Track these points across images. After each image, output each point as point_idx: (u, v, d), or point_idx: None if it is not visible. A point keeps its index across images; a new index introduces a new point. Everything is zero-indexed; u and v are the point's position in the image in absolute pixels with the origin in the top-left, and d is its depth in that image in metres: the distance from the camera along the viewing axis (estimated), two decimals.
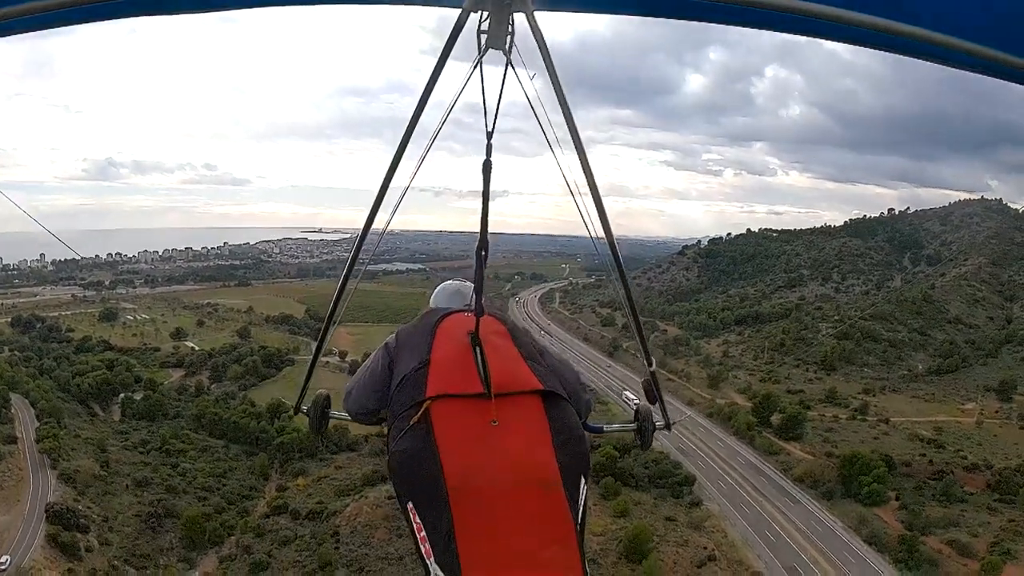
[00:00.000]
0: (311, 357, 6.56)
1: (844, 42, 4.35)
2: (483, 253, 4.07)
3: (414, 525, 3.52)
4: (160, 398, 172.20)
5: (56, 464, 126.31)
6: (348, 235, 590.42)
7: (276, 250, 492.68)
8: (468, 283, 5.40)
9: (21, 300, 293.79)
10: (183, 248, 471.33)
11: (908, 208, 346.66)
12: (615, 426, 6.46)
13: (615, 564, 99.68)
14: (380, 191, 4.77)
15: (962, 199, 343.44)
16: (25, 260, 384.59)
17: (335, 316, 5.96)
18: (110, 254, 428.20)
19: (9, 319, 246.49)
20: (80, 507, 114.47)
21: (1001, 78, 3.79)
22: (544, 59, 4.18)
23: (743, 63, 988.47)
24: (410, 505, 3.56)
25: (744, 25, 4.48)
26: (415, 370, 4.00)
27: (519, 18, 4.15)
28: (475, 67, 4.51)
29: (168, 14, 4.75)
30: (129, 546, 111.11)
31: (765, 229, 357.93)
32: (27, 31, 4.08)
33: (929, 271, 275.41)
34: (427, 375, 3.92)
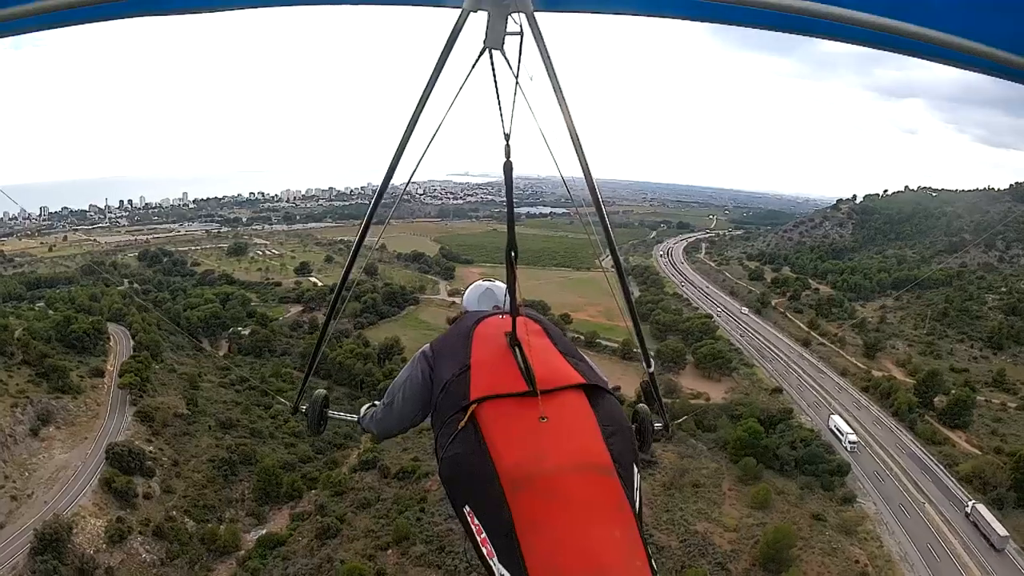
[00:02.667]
0: (311, 356, 6.61)
1: (846, 42, 4.31)
2: (513, 254, 4.08)
3: (473, 528, 3.53)
4: (268, 334, 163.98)
5: (137, 401, 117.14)
6: (494, 179, 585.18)
7: (420, 192, 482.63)
8: (498, 282, 5.52)
9: (156, 236, 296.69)
10: (326, 188, 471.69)
11: None
12: None
13: (747, 572, 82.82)
14: (380, 190, 4.93)
15: None
16: (167, 199, 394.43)
17: (337, 308, 6.23)
18: (252, 193, 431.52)
19: (137, 253, 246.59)
20: (151, 448, 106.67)
21: (1004, 77, 3.77)
22: (544, 59, 4.13)
23: None
24: (467, 509, 3.58)
25: (745, 25, 4.41)
26: (456, 376, 4.05)
27: (519, 18, 4.08)
28: (474, 67, 4.37)
29: (169, 14, 4.54)
30: (194, 495, 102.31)
31: (924, 188, 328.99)
32: (28, 31, 4.08)
33: None
34: (469, 379, 3.96)
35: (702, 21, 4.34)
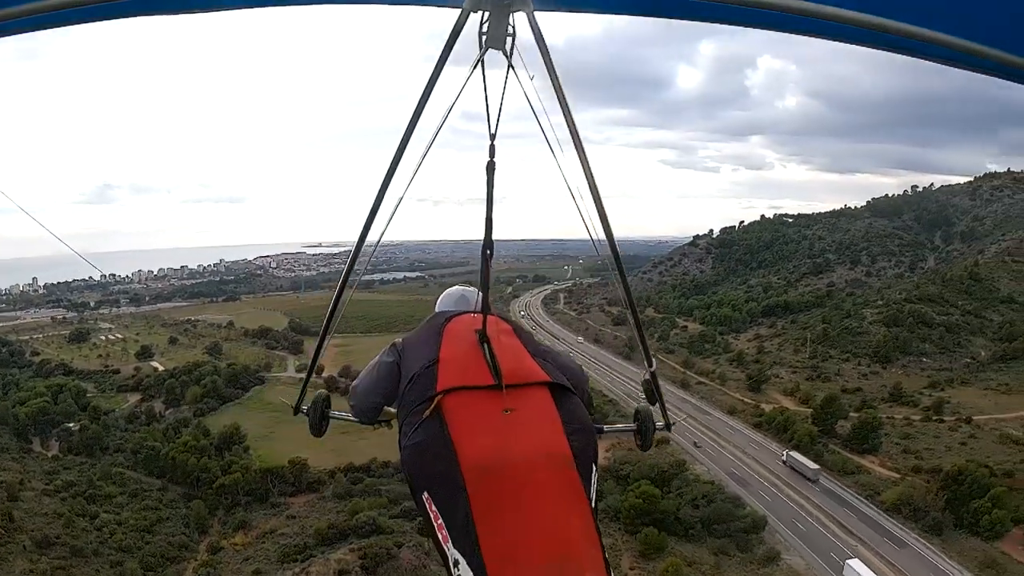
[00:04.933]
0: (310, 360, 6.55)
1: (845, 42, 4.29)
2: (488, 253, 4.17)
3: (431, 514, 3.51)
4: (98, 430, 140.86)
5: None
6: (347, 248, 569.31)
7: (273, 265, 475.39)
8: (472, 288, 5.44)
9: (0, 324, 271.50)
10: (178, 267, 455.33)
11: (932, 184, 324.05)
12: (615, 427, 6.12)
13: None
14: (379, 194, 4.61)
15: (988, 172, 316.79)
16: (17, 285, 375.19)
17: (335, 317, 5.73)
18: (103, 275, 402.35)
19: None
20: None
21: (1003, 78, 3.77)
22: (544, 59, 4.12)
23: (735, 54, 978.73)
24: (426, 495, 3.55)
25: (745, 25, 4.39)
26: (425, 368, 4.02)
27: (519, 18, 4.10)
28: (475, 67, 4.36)
29: (168, 14, 4.50)
30: None
31: (780, 215, 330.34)
32: (28, 31, 4.03)
33: (965, 248, 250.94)
34: (437, 372, 3.94)
35: (702, 21, 4.23)
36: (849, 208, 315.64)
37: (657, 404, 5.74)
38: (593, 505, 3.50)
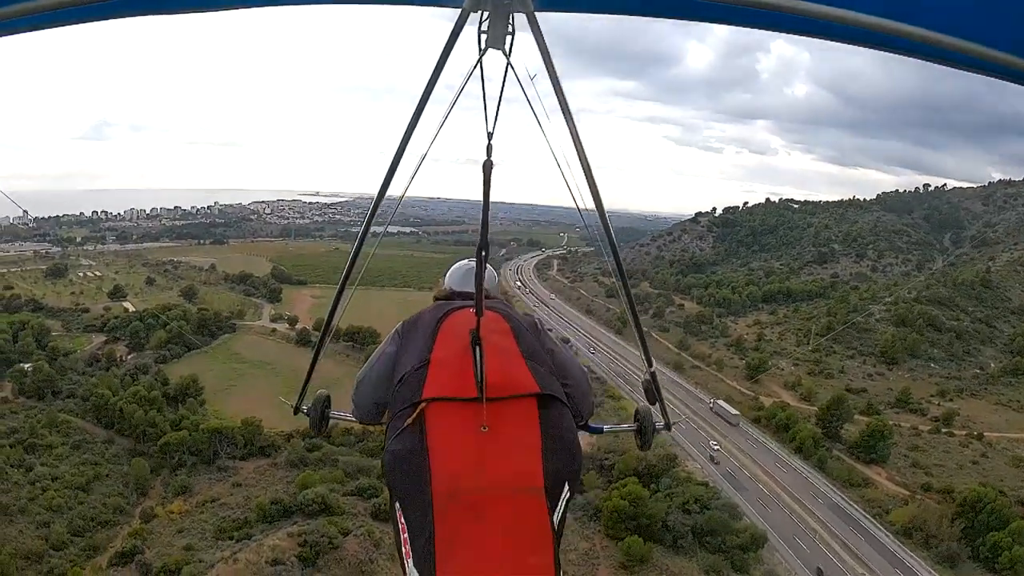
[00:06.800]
0: (312, 356, 5.98)
1: (845, 42, 4.27)
2: (483, 254, 3.93)
3: (399, 525, 3.54)
4: (52, 372, 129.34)
5: None
6: (345, 199, 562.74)
7: (267, 211, 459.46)
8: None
9: None
10: (171, 207, 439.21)
11: (944, 184, 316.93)
12: (616, 427, 6.20)
13: None
14: (381, 190, 4.68)
15: (1002, 179, 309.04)
16: (7, 217, 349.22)
17: (340, 303, 5.72)
18: (95, 211, 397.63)
19: None
20: None
21: (1003, 79, 3.71)
22: (544, 59, 4.08)
23: (750, 38, 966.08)
24: (398, 505, 3.59)
25: (744, 25, 4.38)
26: (415, 369, 3.98)
27: (519, 18, 4.09)
28: (475, 67, 4.41)
29: (169, 13, 4.46)
30: None
31: (785, 200, 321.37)
32: (28, 30, 3.98)
33: (974, 254, 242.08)
34: (426, 375, 3.90)
35: (702, 21, 4.27)
36: (858, 199, 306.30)
37: (657, 404, 5.70)
38: (558, 529, 3.42)
